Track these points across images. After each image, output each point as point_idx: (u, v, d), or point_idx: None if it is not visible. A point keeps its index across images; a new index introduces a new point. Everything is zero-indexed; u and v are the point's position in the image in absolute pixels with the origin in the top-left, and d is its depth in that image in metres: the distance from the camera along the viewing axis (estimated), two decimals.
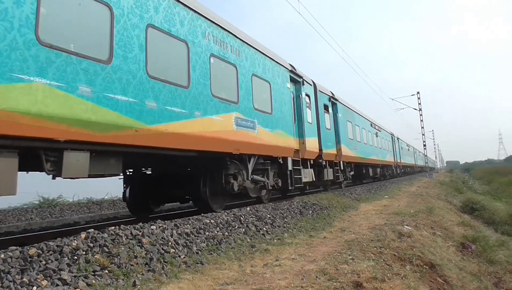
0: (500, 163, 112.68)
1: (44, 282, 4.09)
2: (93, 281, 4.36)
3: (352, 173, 22.65)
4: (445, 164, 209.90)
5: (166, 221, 6.88)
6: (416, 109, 42.72)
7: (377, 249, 6.85)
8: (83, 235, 5.28)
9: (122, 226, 5.99)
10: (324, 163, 16.92)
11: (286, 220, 9.62)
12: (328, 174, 17.46)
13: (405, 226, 9.35)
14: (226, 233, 7.28)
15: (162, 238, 6.03)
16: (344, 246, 6.90)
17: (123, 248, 5.24)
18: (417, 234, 9.01)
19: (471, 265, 9.07)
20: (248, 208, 9.60)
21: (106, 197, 22.71)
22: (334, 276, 5.07)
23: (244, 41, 10.99)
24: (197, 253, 6.06)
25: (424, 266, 6.91)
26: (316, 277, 5.01)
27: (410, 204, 14.91)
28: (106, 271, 4.66)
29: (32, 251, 4.58)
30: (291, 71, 14.31)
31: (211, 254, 6.19)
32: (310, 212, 11.30)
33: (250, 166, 10.96)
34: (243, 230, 7.83)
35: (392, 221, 9.87)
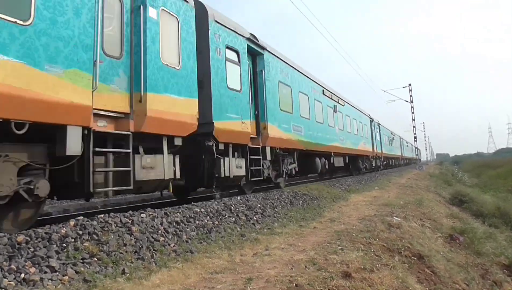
0: (490, 156, 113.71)
1: (32, 269, 4.07)
2: (82, 269, 4.35)
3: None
4: (435, 157, 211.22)
5: (156, 209, 6.85)
6: (407, 101, 42.90)
7: (366, 239, 6.89)
8: (72, 222, 5.24)
9: (111, 214, 5.95)
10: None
11: (276, 210, 9.63)
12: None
13: (394, 217, 9.41)
14: (216, 222, 7.28)
15: (152, 226, 6.01)
16: (334, 237, 6.93)
17: (112, 236, 5.22)
18: (406, 226, 9.07)
19: (459, 256, 9.16)
20: (238, 198, 9.60)
21: None
22: (323, 266, 5.09)
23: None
24: (187, 241, 6.06)
25: (413, 257, 6.97)
26: (306, 266, 5.03)
27: (399, 196, 15.02)
28: (95, 259, 4.65)
29: (20, 238, 4.55)
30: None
31: (201, 242, 6.18)
32: (301, 202, 11.34)
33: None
34: (233, 219, 7.83)
35: (381, 212, 9.94)
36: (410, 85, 42.92)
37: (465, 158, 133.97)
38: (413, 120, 43.05)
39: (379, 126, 36.62)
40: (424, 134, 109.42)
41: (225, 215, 7.87)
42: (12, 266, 4.00)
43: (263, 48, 12.69)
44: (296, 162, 14.93)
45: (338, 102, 21.98)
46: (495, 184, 31.45)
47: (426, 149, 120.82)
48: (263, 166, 11.70)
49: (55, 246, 4.60)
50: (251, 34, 12.03)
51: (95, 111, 6.18)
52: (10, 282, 3.78)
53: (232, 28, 10.77)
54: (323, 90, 19.61)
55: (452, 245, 9.98)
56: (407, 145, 60.06)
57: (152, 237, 5.70)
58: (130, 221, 5.85)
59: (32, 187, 5.39)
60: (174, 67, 7.96)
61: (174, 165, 8.04)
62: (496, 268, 9.56)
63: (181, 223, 6.60)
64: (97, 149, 6.23)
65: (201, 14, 9.50)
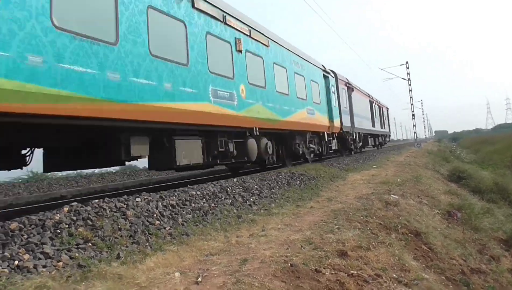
0: (488, 132, 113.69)
1: (26, 256, 4.05)
2: (76, 254, 4.33)
3: None
4: (433, 134, 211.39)
5: (151, 193, 6.81)
6: (404, 79, 42.68)
7: (363, 218, 6.89)
8: (65, 208, 5.20)
9: (106, 199, 5.91)
10: None
11: (273, 190, 9.62)
12: None
13: (391, 195, 9.41)
14: (213, 204, 7.26)
15: (147, 210, 5.98)
16: (330, 216, 6.92)
17: (107, 221, 5.19)
18: (403, 203, 9.08)
19: (456, 232, 9.19)
20: (235, 179, 9.57)
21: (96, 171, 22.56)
22: (319, 245, 5.09)
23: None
24: (183, 224, 6.04)
25: (410, 234, 6.98)
26: (301, 246, 5.03)
27: (397, 174, 15.01)
28: (90, 244, 4.62)
29: (14, 225, 4.51)
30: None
31: (197, 225, 6.17)
32: (298, 182, 11.32)
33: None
34: (230, 201, 7.81)
35: (379, 190, 9.93)
36: (407, 62, 42.65)
37: (464, 134, 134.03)
38: (411, 97, 42.91)
39: (347, 87, 24.02)
40: (422, 111, 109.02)
41: (222, 197, 7.85)
42: (6, 253, 3.97)
43: None
44: None
45: (225, 21, 10.44)
46: (493, 160, 31.44)
47: (424, 126, 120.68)
48: None
49: (49, 232, 4.57)
50: None
51: None
52: (4, 270, 3.75)
53: None
54: None
55: (449, 221, 10.00)
56: (376, 107, 35.37)
57: (147, 221, 5.68)
58: (125, 205, 5.81)
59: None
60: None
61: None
62: (494, 243, 9.59)
63: (176, 206, 6.58)
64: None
65: None
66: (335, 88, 20.95)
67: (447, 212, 10.61)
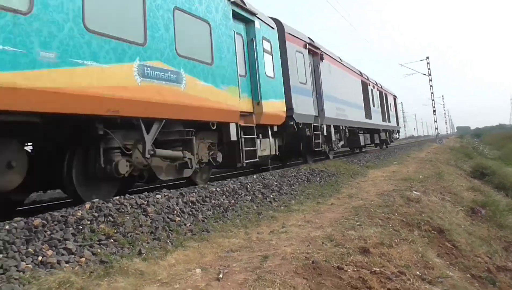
0: None
1: (49, 252, 4.09)
2: (98, 250, 4.36)
3: None
4: (455, 130, 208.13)
5: (171, 190, 6.83)
6: (425, 74, 42.09)
7: (384, 215, 6.80)
8: (87, 205, 5.24)
9: (127, 196, 5.95)
10: None
11: (293, 187, 9.56)
12: None
13: (413, 192, 9.28)
14: (233, 201, 7.25)
15: (167, 206, 5.99)
16: (352, 212, 6.85)
17: (128, 217, 5.22)
18: (425, 200, 8.95)
19: (481, 229, 9.02)
20: (254, 176, 9.55)
21: None
22: (341, 242, 5.03)
23: None
24: (203, 221, 6.04)
25: (433, 231, 6.87)
26: (323, 243, 4.97)
27: (419, 170, 14.81)
28: (111, 240, 4.65)
29: (37, 221, 4.56)
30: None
31: (217, 221, 6.16)
32: (318, 179, 11.24)
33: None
34: (250, 197, 7.79)
35: (400, 187, 9.81)
36: (427, 58, 42.08)
37: (487, 130, 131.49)
38: (432, 93, 42.31)
39: (310, 51, 15.39)
40: (444, 107, 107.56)
41: (241, 193, 7.83)
42: (30, 249, 4.02)
43: None
44: None
45: None
46: None
47: (446, 122, 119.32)
48: None
49: (71, 228, 4.61)
50: None
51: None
52: (28, 265, 3.80)
53: None
54: None
55: (473, 218, 9.83)
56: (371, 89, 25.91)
57: (167, 217, 5.69)
58: (146, 202, 5.84)
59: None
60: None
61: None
62: None
63: (196, 203, 6.58)
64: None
65: None
66: (277, 47, 12.44)
67: (470, 209, 10.43)
